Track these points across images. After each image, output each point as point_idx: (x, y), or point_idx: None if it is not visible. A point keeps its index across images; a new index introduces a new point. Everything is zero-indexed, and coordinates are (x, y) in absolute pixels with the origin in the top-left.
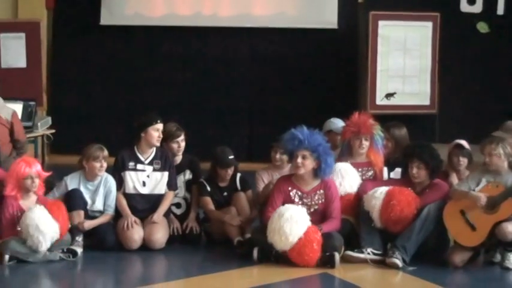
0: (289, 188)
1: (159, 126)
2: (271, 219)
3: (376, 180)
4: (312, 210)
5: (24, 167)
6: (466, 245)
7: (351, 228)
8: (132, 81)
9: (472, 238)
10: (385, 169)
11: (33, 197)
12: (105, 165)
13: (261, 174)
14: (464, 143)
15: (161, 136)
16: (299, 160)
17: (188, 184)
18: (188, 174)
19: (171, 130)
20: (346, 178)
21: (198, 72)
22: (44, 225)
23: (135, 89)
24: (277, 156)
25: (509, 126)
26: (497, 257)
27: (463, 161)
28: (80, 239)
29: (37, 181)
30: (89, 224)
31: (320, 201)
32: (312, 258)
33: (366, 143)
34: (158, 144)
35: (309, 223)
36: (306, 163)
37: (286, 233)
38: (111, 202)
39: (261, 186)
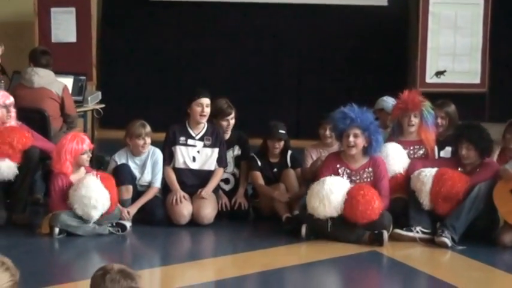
0: (338, 166)
1: (203, 101)
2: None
3: (428, 158)
4: None
5: (81, 143)
6: None
7: (403, 206)
8: (181, 56)
9: None
10: (436, 148)
11: (82, 170)
12: (148, 141)
13: (310, 151)
14: None
15: (205, 111)
16: (351, 139)
17: (237, 160)
18: (237, 150)
19: (222, 107)
20: (396, 159)
21: (247, 48)
22: (96, 193)
23: (184, 64)
24: (327, 133)
25: None
26: None
27: None
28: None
29: (90, 155)
30: (134, 209)
31: (369, 179)
32: (370, 209)
33: (415, 120)
34: (202, 120)
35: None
36: (358, 142)
37: (329, 199)
38: (157, 175)
39: (309, 163)
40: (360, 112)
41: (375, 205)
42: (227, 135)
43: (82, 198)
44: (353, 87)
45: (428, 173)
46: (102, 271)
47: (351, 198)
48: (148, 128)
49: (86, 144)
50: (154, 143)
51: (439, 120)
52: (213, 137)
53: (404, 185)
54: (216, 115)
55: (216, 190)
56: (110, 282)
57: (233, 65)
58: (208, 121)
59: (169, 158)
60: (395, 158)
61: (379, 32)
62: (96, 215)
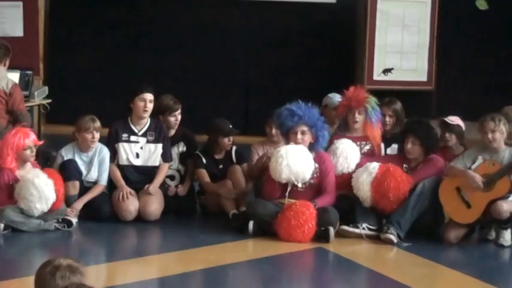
0: None
1: (146, 96)
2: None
3: (374, 155)
4: (306, 184)
5: (23, 138)
6: (460, 222)
7: (350, 203)
8: (130, 51)
9: (467, 215)
10: (382, 145)
11: (28, 167)
12: (97, 136)
13: (256, 148)
14: (453, 118)
15: (148, 107)
16: (299, 136)
17: (182, 156)
18: (182, 147)
19: (168, 103)
20: (350, 157)
21: (194, 44)
22: (41, 187)
23: (133, 59)
24: (273, 131)
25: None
26: (492, 235)
27: (450, 137)
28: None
29: (35, 150)
30: (80, 204)
31: (314, 175)
32: (301, 233)
33: (359, 117)
34: (146, 115)
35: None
36: (306, 138)
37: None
38: (104, 173)
39: (255, 159)
40: (306, 109)
41: (306, 229)
42: (173, 131)
43: (26, 192)
44: (301, 83)
45: (366, 178)
46: (51, 267)
47: (283, 217)
48: (98, 123)
49: (30, 139)
50: (102, 139)
51: (387, 119)
52: (156, 132)
53: (347, 184)
54: (163, 111)
55: (162, 185)
56: (60, 279)
57: (182, 61)
58: (152, 117)
59: (113, 155)
60: (350, 155)
61: (327, 29)
62: (40, 207)
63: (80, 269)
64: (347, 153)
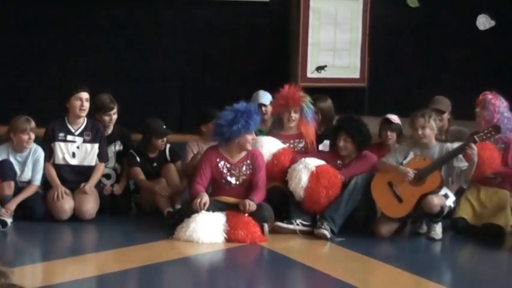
0: (217, 160)
1: (82, 95)
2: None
3: (307, 152)
4: (240, 181)
5: None
6: (392, 217)
7: (281, 195)
8: (63, 49)
9: (399, 210)
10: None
11: None
12: (32, 136)
13: (191, 146)
14: (394, 117)
15: (84, 106)
16: (252, 141)
17: (118, 155)
18: (118, 146)
19: (104, 102)
20: (264, 145)
21: (128, 42)
22: None
23: (66, 57)
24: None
25: (438, 100)
26: (424, 228)
27: (391, 135)
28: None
29: None
30: (13, 204)
31: (248, 172)
32: (248, 235)
33: (295, 116)
34: (82, 114)
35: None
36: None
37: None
38: (38, 173)
39: (189, 157)
40: (256, 114)
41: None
42: (109, 129)
43: None
44: (236, 82)
45: (301, 171)
46: None
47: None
48: (33, 124)
49: None
50: (35, 139)
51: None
52: (93, 132)
53: (284, 175)
54: (98, 110)
55: (97, 184)
56: None
57: (116, 58)
58: (89, 116)
59: (49, 154)
60: (265, 143)
61: (261, 27)
62: None
63: (5, 273)
64: (262, 142)
